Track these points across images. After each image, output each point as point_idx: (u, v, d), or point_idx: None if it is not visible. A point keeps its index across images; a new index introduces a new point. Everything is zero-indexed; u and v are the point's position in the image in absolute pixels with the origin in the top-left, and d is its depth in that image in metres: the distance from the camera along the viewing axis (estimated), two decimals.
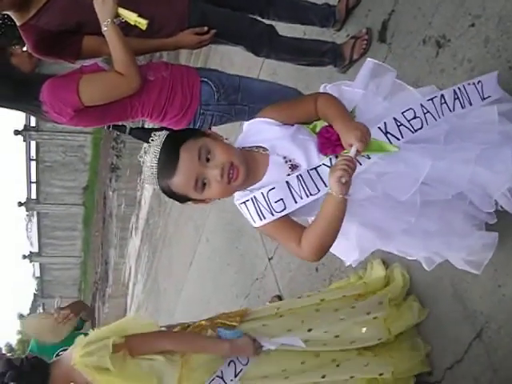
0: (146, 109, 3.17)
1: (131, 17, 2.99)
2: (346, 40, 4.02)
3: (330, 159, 2.07)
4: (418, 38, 3.39)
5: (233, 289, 6.07)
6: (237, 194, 2.15)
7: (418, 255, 2.59)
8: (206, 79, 3.21)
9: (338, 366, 2.99)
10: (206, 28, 3.39)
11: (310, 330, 3.02)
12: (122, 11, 2.99)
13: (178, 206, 8.75)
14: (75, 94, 2.95)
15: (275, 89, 3.45)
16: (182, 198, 2.08)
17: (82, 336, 2.77)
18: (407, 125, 2.11)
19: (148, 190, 11.57)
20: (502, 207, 2.36)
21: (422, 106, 2.15)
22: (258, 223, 2.11)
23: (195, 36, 3.37)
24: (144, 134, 3.10)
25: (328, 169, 2.03)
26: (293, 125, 2.16)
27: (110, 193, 16.34)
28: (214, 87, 3.18)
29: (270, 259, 5.29)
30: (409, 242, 2.41)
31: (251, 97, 3.24)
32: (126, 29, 3.05)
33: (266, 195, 2.07)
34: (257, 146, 2.14)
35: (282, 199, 2.06)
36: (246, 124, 2.22)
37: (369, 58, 2.30)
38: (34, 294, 33.14)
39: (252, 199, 2.10)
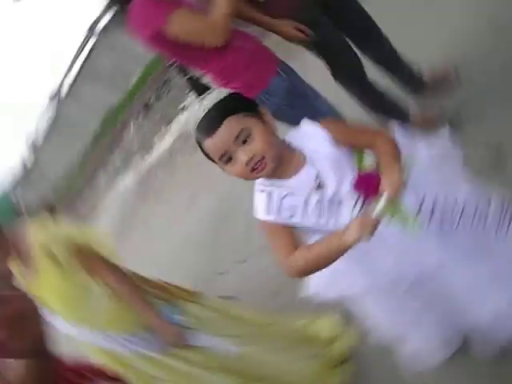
0: (215, 69, 3.17)
1: None
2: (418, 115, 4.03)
3: (357, 202, 2.07)
4: None
5: (194, 268, 6.05)
6: (258, 181, 2.14)
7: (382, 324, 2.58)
8: (282, 73, 3.21)
9: None
10: (307, 31, 3.44)
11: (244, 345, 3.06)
12: None
13: (183, 171, 8.78)
14: (164, 19, 2.95)
15: (334, 113, 3.46)
16: (208, 157, 2.07)
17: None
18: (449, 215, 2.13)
19: (165, 143, 11.52)
20: None
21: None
22: (261, 216, 2.11)
23: (294, 30, 3.41)
24: (201, 88, 3.09)
25: (348, 210, 2.05)
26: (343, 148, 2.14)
27: (132, 125, 16.30)
28: (285, 84, 3.18)
29: (242, 261, 5.30)
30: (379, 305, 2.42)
31: (310, 112, 3.25)
32: None
33: (281, 197, 2.08)
34: (300, 150, 2.14)
35: (293, 208, 2.07)
36: (305, 123, 2.18)
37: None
38: None
39: (268, 192, 2.10)
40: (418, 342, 2.53)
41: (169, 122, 12.13)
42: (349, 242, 1.90)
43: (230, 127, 1.96)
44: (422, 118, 3.90)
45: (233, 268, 5.36)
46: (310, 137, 2.14)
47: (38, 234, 2.80)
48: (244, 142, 1.98)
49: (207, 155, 2.06)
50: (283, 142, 2.14)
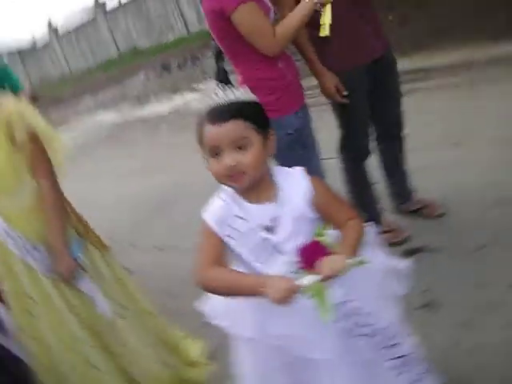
0: (251, 74, 3.16)
1: (326, 18, 3.07)
2: (389, 221, 4.14)
3: (293, 263, 2.06)
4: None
5: (116, 230, 5.97)
6: (225, 188, 2.14)
7: None
8: (301, 113, 3.24)
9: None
10: (344, 93, 3.53)
11: (123, 305, 3.10)
12: (329, 6, 3.06)
13: (164, 140, 8.75)
14: (236, 3, 2.94)
15: (321, 174, 3.48)
16: (199, 140, 2.05)
17: None
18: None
19: (159, 109, 11.47)
20: None
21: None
22: (207, 218, 2.11)
23: (334, 88, 3.51)
24: (226, 80, 3.10)
25: (282, 265, 2.06)
26: (316, 214, 2.14)
27: (142, 75, 16.21)
28: (296, 124, 3.19)
29: (160, 249, 5.33)
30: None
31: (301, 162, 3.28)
32: (313, 16, 3.11)
33: (233, 215, 2.09)
34: (278, 187, 2.13)
35: (236, 232, 2.08)
36: (299, 170, 2.17)
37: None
38: None
39: (226, 203, 2.12)
40: None
41: (174, 92, 12.10)
42: (263, 294, 1.92)
43: (234, 128, 1.97)
44: (388, 228, 3.98)
45: (149, 250, 5.35)
46: (293, 183, 2.14)
47: (10, 106, 2.80)
48: (239, 148, 1.98)
49: (199, 137, 2.06)
50: (269, 169, 2.14)
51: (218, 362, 3.46)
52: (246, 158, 1.98)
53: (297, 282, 1.93)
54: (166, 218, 5.90)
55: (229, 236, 2.09)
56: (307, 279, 1.95)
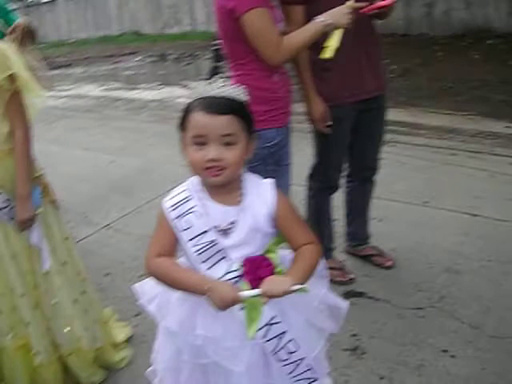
0: (248, 79, 3.05)
1: (334, 41, 3.04)
2: (338, 260, 4.16)
3: (236, 271, 2.06)
4: None
5: (72, 198, 5.95)
6: (193, 179, 2.13)
7: None
8: (284, 129, 3.22)
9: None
10: (328, 123, 3.53)
11: (65, 263, 3.09)
12: (340, 31, 3.04)
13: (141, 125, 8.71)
14: (247, 6, 2.92)
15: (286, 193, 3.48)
16: (182, 124, 2.04)
17: None
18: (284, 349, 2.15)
19: (151, 94, 11.44)
20: None
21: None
22: (165, 205, 2.10)
23: (322, 115, 3.51)
24: (214, 74, 3.08)
25: (224, 270, 2.05)
26: (273, 229, 2.13)
27: (138, 57, 16.18)
28: (277, 139, 3.16)
29: (107, 225, 5.32)
30: None
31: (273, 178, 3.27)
32: (317, 40, 3.10)
33: (191, 208, 2.06)
34: (244, 192, 2.12)
35: (191, 227, 2.06)
36: (268, 182, 2.16)
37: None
38: None
39: (188, 196, 2.09)
40: None
41: (165, 83, 12.08)
42: (205, 294, 1.93)
43: (228, 124, 1.96)
44: (336, 265, 3.99)
45: (97, 226, 5.32)
46: (260, 193, 2.12)
47: None
48: (225, 144, 1.97)
49: (183, 123, 2.03)
50: (241, 174, 2.13)
51: (140, 349, 3.46)
52: (231, 155, 1.98)
53: (239, 293, 1.93)
54: (122, 200, 5.86)
55: (183, 229, 2.07)
56: (248, 293, 1.95)
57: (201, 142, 1.97)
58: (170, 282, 2.06)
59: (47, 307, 3.04)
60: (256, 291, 1.95)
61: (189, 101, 2.05)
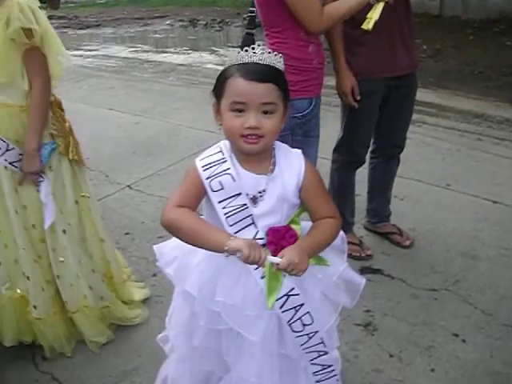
0: (279, 48, 3.05)
1: (375, 13, 3.03)
2: (358, 235, 4.18)
3: (260, 239, 2.07)
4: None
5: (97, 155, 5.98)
6: (226, 142, 2.12)
7: None
8: (315, 101, 3.20)
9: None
10: (357, 97, 3.54)
11: (69, 225, 3.11)
12: (382, 4, 3.04)
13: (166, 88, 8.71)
14: None
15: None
16: (219, 90, 2.02)
17: None
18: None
19: (179, 59, 11.40)
20: None
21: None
22: (198, 163, 2.08)
23: (350, 88, 3.51)
24: (249, 42, 3.08)
25: (250, 234, 2.05)
26: (298, 200, 2.14)
27: (167, 20, 16.11)
28: (308, 111, 3.15)
29: (129, 186, 5.34)
30: None
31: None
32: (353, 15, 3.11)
33: (225, 171, 2.04)
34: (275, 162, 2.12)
35: (222, 189, 2.03)
36: (299, 153, 2.16)
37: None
38: None
39: (222, 158, 2.07)
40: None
41: (193, 48, 12.03)
42: (227, 246, 1.90)
43: (268, 92, 1.95)
44: (355, 241, 4.02)
45: (120, 186, 5.35)
46: (290, 163, 2.13)
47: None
48: (264, 112, 1.96)
49: (219, 88, 2.02)
50: (274, 142, 2.12)
51: (154, 310, 3.52)
52: (269, 124, 1.97)
53: (265, 255, 1.94)
54: (145, 162, 5.87)
55: (214, 191, 2.05)
56: (271, 258, 1.97)
57: (239, 108, 1.95)
58: (190, 233, 2.02)
59: (55, 264, 3.09)
60: (277, 258, 1.96)
61: (225, 65, 2.04)
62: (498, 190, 4.96)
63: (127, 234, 4.44)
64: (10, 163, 2.87)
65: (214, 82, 2.06)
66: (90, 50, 12.36)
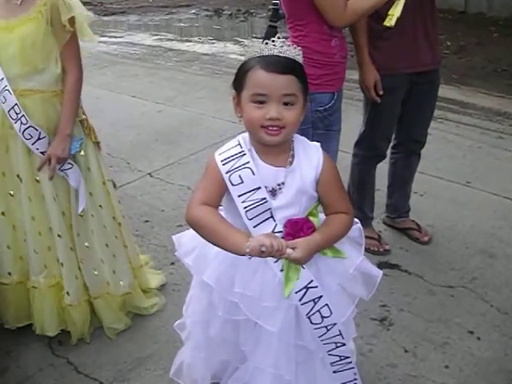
0: (302, 41, 3.05)
1: (397, 10, 3.05)
2: (376, 230, 4.19)
3: (278, 232, 2.10)
4: None
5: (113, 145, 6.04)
6: (246, 136, 2.15)
7: None
8: (337, 95, 3.22)
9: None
10: (380, 92, 3.55)
11: (100, 207, 3.18)
12: (401, 2, 3.05)
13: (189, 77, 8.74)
14: None
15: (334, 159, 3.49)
16: (239, 82, 2.05)
17: None
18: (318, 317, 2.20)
19: (203, 48, 11.42)
20: None
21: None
22: (217, 157, 2.11)
23: (372, 83, 3.52)
24: (272, 35, 3.10)
25: (269, 228, 2.08)
26: (316, 192, 2.16)
27: (192, 9, 16.12)
28: (330, 104, 3.17)
29: (150, 174, 5.37)
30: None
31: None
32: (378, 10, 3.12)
33: (244, 164, 2.07)
34: (294, 155, 2.14)
35: (241, 182, 2.07)
36: (317, 146, 2.19)
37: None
38: None
39: (241, 151, 2.10)
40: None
41: (218, 38, 12.03)
42: (247, 247, 1.94)
43: (289, 84, 1.98)
44: (373, 235, 4.03)
45: (140, 173, 5.39)
46: (309, 155, 2.15)
47: None
48: (285, 104, 1.99)
49: (239, 80, 2.04)
50: (293, 135, 2.15)
51: (171, 298, 3.56)
52: (290, 115, 2.00)
53: (284, 248, 1.97)
54: (167, 150, 5.89)
55: (232, 184, 2.08)
56: (288, 253, 1.99)
57: (261, 100, 1.98)
58: (211, 233, 2.06)
59: (80, 249, 3.13)
60: (291, 253, 1.99)
61: (244, 58, 2.07)
62: None
63: (147, 221, 4.46)
64: (42, 152, 2.92)
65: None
66: (114, 37, 12.37)
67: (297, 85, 2.00)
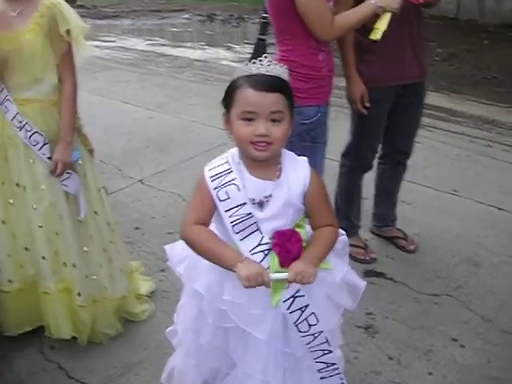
0: (289, 56, 3.12)
1: (382, 23, 3.12)
2: (363, 238, 4.24)
3: (265, 244, 2.16)
4: None
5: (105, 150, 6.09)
6: (234, 151, 2.22)
7: None
8: (323, 108, 3.27)
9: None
10: (366, 104, 3.61)
11: (96, 213, 3.22)
12: (389, 14, 3.11)
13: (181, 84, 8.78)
14: None
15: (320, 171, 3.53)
16: (228, 100, 2.12)
17: None
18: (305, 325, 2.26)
19: (195, 54, 11.46)
20: None
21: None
22: (206, 174, 2.18)
23: (360, 96, 3.58)
24: (262, 54, 3.15)
25: (255, 241, 2.15)
26: (303, 205, 2.22)
27: (185, 15, 16.14)
28: (316, 118, 3.23)
29: (141, 180, 5.42)
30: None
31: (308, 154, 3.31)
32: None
33: (231, 180, 2.14)
34: (281, 168, 2.20)
35: (228, 198, 2.14)
36: (304, 160, 2.25)
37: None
38: None
39: (229, 167, 2.17)
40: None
41: (210, 44, 12.06)
42: (235, 270, 2.03)
43: (277, 101, 2.05)
44: (359, 244, 4.09)
45: (131, 180, 5.43)
46: (296, 169, 2.21)
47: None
48: (272, 120, 2.06)
49: (231, 98, 2.10)
50: (281, 150, 2.21)
51: (161, 304, 3.61)
52: (278, 131, 2.07)
53: (269, 274, 2.06)
54: (158, 157, 5.94)
55: (220, 200, 2.15)
56: (276, 276, 2.09)
57: (249, 117, 2.05)
58: (204, 251, 2.15)
59: (76, 253, 3.16)
60: (283, 274, 2.07)
61: (233, 77, 2.13)
62: (505, 198, 5.01)
63: (137, 228, 4.51)
64: (48, 158, 3.00)
65: (229, 79, 2.16)
66: (107, 41, 12.39)
67: (284, 102, 2.07)
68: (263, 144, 2.06)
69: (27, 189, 3.00)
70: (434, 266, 4.05)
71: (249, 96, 2.04)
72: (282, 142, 2.11)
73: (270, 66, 2.08)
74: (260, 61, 2.09)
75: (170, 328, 2.63)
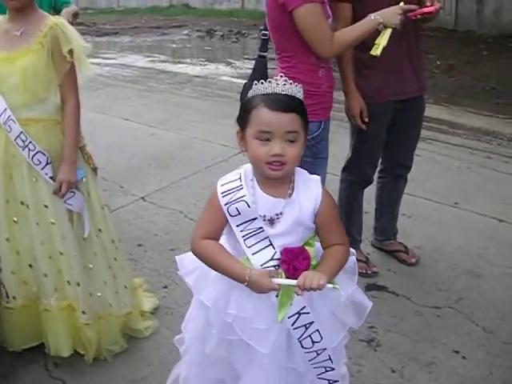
0: (290, 72, 3.11)
1: (383, 39, 3.15)
2: (364, 252, 4.26)
3: (276, 259, 2.18)
4: None
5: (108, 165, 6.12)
6: (248, 167, 2.24)
7: None
8: (324, 124, 3.31)
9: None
10: (365, 119, 3.63)
11: (100, 230, 3.25)
12: (390, 30, 3.15)
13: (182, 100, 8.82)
14: (300, 1, 2.99)
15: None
16: (244, 119, 2.14)
17: None
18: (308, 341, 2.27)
19: (195, 70, 11.51)
20: None
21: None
22: (219, 189, 2.20)
23: (358, 111, 3.61)
24: (263, 70, 3.16)
25: (266, 256, 2.18)
26: (314, 224, 2.24)
27: (185, 31, 16.22)
28: (317, 133, 3.26)
29: (143, 198, 5.44)
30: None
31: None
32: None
33: (242, 197, 2.16)
34: (293, 187, 2.22)
35: (239, 214, 2.17)
36: (317, 178, 2.28)
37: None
38: None
39: (240, 184, 2.19)
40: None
41: (210, 59, 12.13)
42: (245, 280, 2.09)
43: (292, 121, 2.08)
44: (361, 258, 4.07)
45: (134, 197, 5.46)
46: (308, 188, 2.23)
47: (56, 19, 2.99)
48: (288, 140, 2.08)
49: (247, 117, 2.12)
50: (295, 168, 2.24)
51: (164, 321, 3.62)
52: (292, 152, 2.09)
53: (275, 280, 2.08)
54: (159, 174, 5.97)
55: (232, 216, 2.18)
56: (283, 280, 2.10)
57: (265, 137, 2.07)
58: (213, 265, 2.19)
59: (80, 271, 3.18)
60: (292, 281, 2.08)
61: (248, 95, 2.16)
62: (506, 209, 5.03)
63: (140, 245, 4.53)
64: (51, 177, 3.02)
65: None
66: (107, 59, 12.47)
67: (299, 122, 2.09)
68: (278, 164, 2.09)
69: (30, 207, 3.03)
70: (436, 278, 4.07)
71: (264, 116, 2.07)
72: (295, 161, 2.14)
73: (286, 85, 2.10)
74: (276, 80, 2.11)
75: (178, 336, 2.65)
